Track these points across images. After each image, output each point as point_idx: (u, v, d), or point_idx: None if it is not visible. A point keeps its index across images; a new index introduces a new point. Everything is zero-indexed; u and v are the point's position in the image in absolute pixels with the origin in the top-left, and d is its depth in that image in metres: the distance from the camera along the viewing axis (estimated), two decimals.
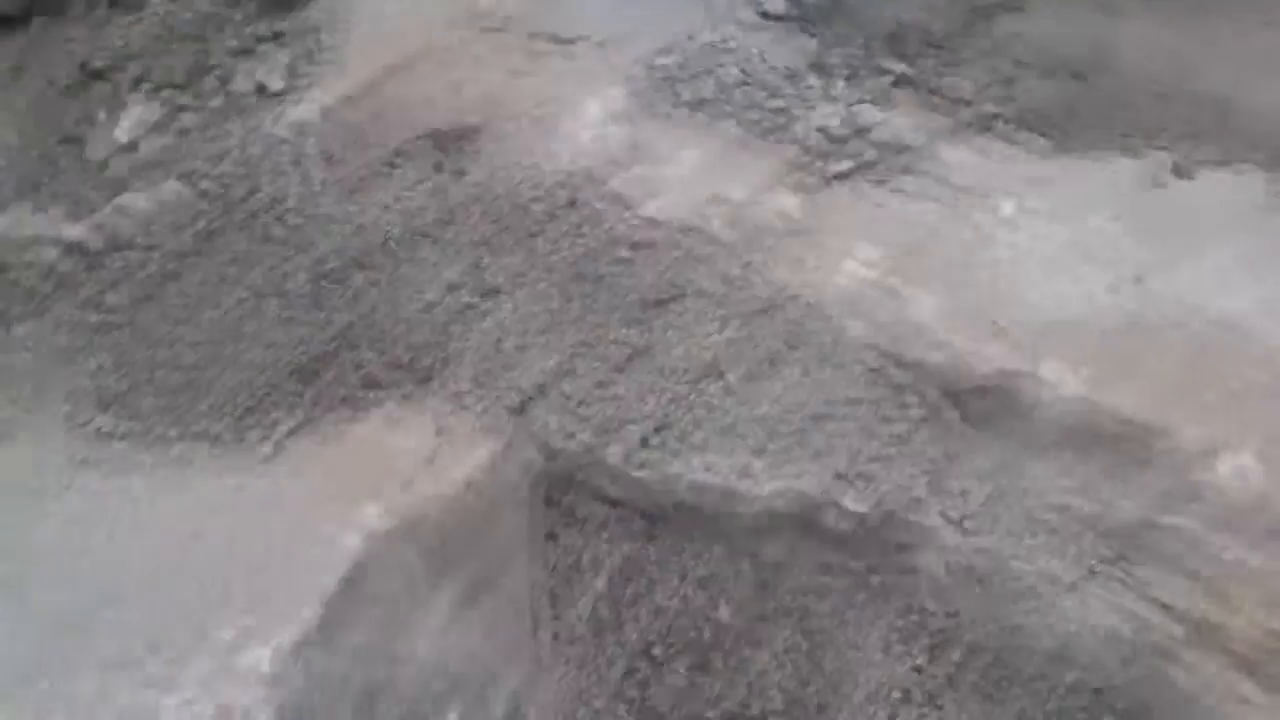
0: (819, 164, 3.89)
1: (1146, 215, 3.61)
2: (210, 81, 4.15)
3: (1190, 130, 3.94)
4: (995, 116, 4.14)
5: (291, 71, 4.14)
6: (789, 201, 3.72)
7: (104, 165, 3.92)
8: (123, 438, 3.26)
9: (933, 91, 4.28)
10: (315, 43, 4.20)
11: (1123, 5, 4.67)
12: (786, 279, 3.48)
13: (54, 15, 4.36)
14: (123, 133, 4.01)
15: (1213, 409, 2.95)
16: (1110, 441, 2.97)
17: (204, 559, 2.96)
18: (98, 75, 4.20)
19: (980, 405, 3.10)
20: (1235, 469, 2.83)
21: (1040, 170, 3.81)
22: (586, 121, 3.96)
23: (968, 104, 4.22)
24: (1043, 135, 4.05)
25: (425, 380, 3.32)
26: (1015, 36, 4.54)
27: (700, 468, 3.08)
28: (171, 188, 3.83)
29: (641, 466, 3.10)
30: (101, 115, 4.10)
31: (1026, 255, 3.48)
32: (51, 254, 3.71)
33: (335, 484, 3.07)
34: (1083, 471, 2.94)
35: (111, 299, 3.57)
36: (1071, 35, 4.52)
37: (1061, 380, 3.08)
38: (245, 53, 4.20)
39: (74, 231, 3.77)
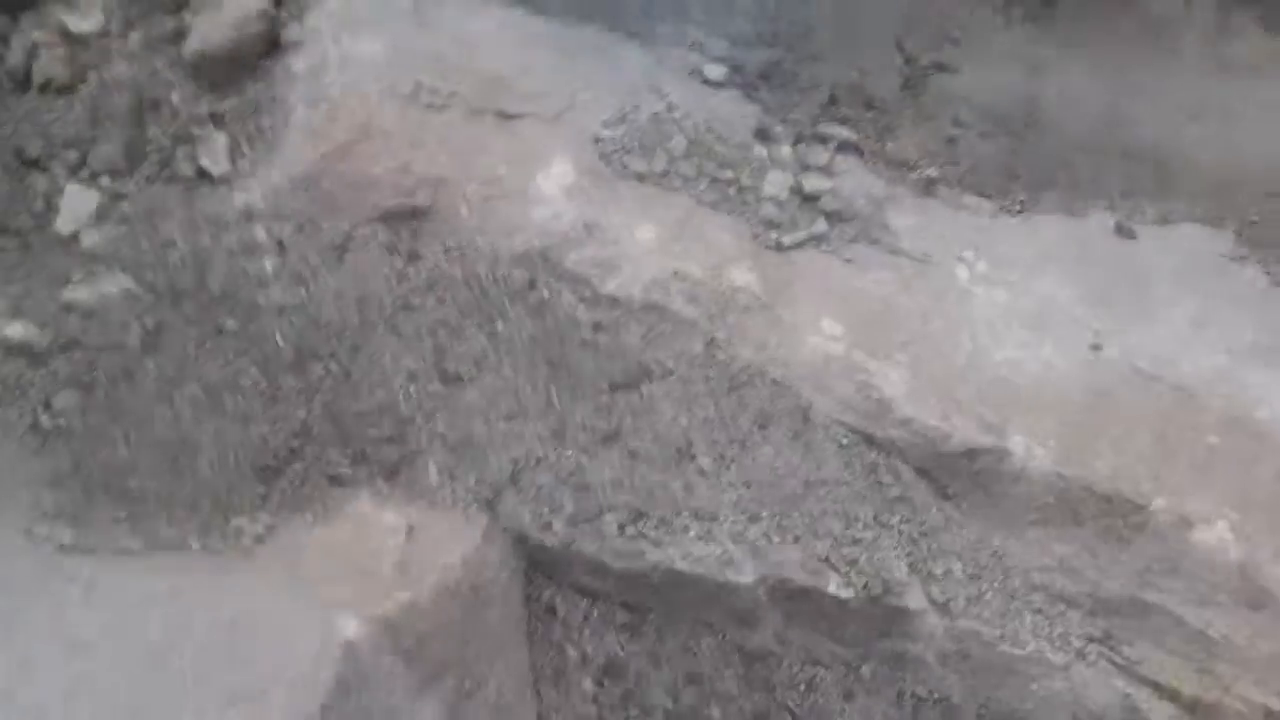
0: (773, 235, 3.78)
1: (1095, 278, 3.56)
2: (149, 167, 3.89)
3: (1130, 188, 3.93)
4: (939, 180, 4.08)
5: (233, 154, 3.90)
6: (748, 276, 3.60)
7: (46, 259, 3.65)
8: (84, 552, 3.00)
9: (876, 156, 4.21)
10: (255, 125, 3.96)
11: (1050, 61, 4.66)
12: (751, 356, 3.36)
13: None
14: (63, 224, 3.74)
15: (1182, 479, 2.89)
16: (1085, 516, 2.90)
17: (171, 681, 2.72)
18: (33, 164, 3.91)
19: (953, 482, 3.00)
20: (1211, 541, 2.76)
21: (988, 235, 3.75)
22: (539, 199, 3.79)
23: (911, 167, 4.16)
24: (986, 197, 4.00)
25: (392, 475, 3.12)
26: (950, 97, 4.50)
27: (679, 556, 2.93)
28: (117, 281, 3.57)
29: (620, 557, 2.94)
30: (40, 205, 3.82)
31: (984, 324, 3.40)
32: None
33: (307, 594, 2.85)
34: (1061, 548, 2.86)
35: (60, 402, 3.31)
36: (1004, 93, 4.50)
37: (1030, 454, 2.99)
38: (184, 137, 3.94)
39: (18, 330, 3.50)
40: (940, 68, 4.66)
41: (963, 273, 3.57)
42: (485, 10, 4.42)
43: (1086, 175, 4.01)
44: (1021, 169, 4.09)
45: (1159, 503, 2.84)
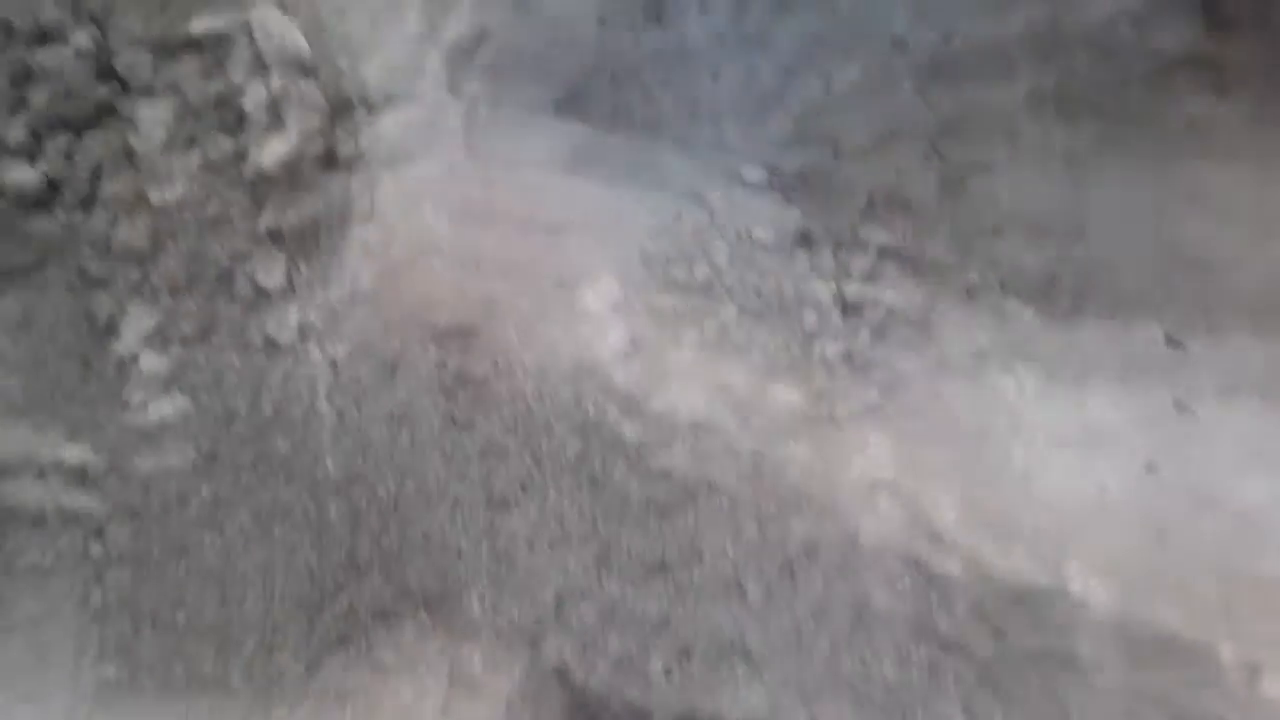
0: (818, 347, 3.62)
1: (1145, 394, 3.34)
2: (208, 285, 3.82)
3: (1176, 295, 3.71)
4: (980, 286, 3.90)
5: (291, 272, 3.82)
6: (793, 393, 3.43)
7: (111, 429, 3.56)
8: (129, 688, 2.87)
9: (917, 261, 4.04)
10: (314, 243, 3.88)
11: (1088, 160, 4.47)
12: (798, 478, 3.18)
13: (61, 263, 4.01)
14: (124, 345, 3.67)
15: (1247, 621, 2.65)
16: (1151, 663, 2.67)
17: None
18: (95, 283, 3.86)
19: (1010, 622, 2.79)
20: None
21: (1034, 345, 3.55)
22: (586, 315, 3.67)
23: (953, 273, 3.98)
24: (1029, 305, 3.81)
25: (436, 608, 2.97)
26: (989, 199, 4.32)
27: (729, 704, 2.74)
28: (175, 404, 3.49)
29: (666, 704, 2.75)
30: (101, 326, 3.75)
31: (1034, 444, 3.20)
32: (53, 479, 3.34)
33: None
34: (1128, 701, 2.63)
35: (113, 530, 3.21)
36: (1043, 194, 4.31)
37: (1090, 593, 2.77)
38: (242, 255, 3.87)
39: (74, 454, 3.41)
40: (977, 168, 4.49)
41: (1010, 387, 3.38)
42: (534, 122, 4.34)
43: (1132, 281, 3.80)
44: (1065, 274, 3.89)
45: (1226, 648, 2.62)
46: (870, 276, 3.89)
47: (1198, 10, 4.58)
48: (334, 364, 3.57)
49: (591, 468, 3.28)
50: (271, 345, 3.64)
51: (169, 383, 3.55)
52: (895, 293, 3.81)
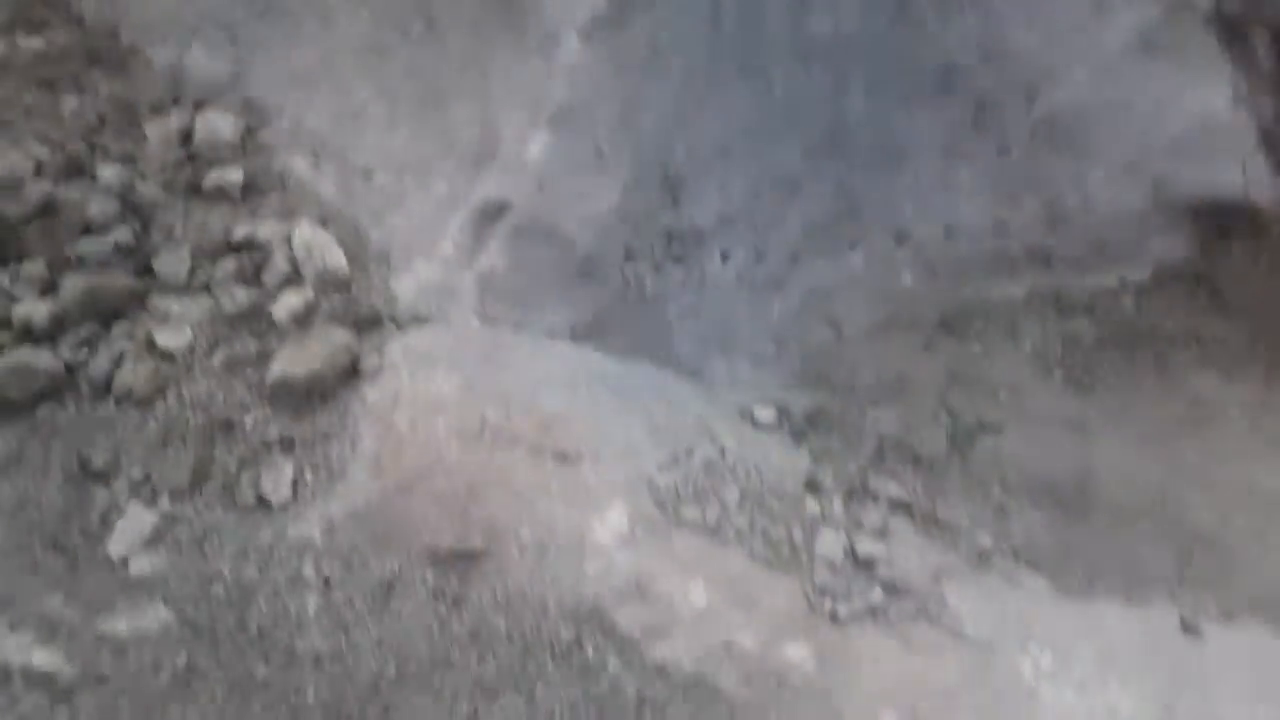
0: (828, 603, 3.47)
1: (1163, 681, 3.19)
2: (212, 490, 3.70)
3: (1190, 576, 3.62)
4: (993, 551, 3.81)
5: (296, 483, 3.71)
6: (803, 651, 3.26)
7: (89, 582, 3.40)
8: None
9: (928, 519, 3.97)
10: (323, 453, 3.80)
11: (1093, 425, 4.49)
12: None
13: (61, 404, 3.96)
14: (115, 545, 3.51)
15: None
16: None
17: None
18: (97, 476, 3.74)
19: None
20: None
21: (1050, 623, 3.41)
22: (594, 549, 3.54)
23: (964, 534, 3.90)
24: (1041, 573, 3.71)
25: None
26: (998, 459, 4.30)
27: None
28: (158, 614, 3.29)
29: None
30: (95, 522, 3.61)
31: None
32: (17, 686, 3.11)
33: None
34: None
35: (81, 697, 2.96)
36: (1051, 458, 4.29)
37: None
38: (250, 461, 3.78)
39: (44, 659, 3.19)
40: (985, 427, 4.50)
41: (1028, 667, 3.22)
42: (553, 348, 4.37)
43: (1145, 559, 3.72)
44: (1077, 545, 3.81)
45: None
46: (882, 532, 3.79)
47: (1200, 289, 4.74)
48: (326, 582, 3.41)
49: (587, 716, 3.08)
50: (265, 558, 3.49)
51: (154, 591, 3.37)
52: (907, 552, 3.70)
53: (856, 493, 4.04)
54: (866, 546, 3.70)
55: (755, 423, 4.52)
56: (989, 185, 5.06)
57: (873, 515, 3.89)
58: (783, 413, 4.64)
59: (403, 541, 3.55)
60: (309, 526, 3.57)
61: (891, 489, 4.10)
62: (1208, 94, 4.75)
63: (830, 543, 3.71)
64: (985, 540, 3.80)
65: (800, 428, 4.54)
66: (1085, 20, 4.69)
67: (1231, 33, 4.53)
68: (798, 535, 3.75)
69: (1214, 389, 4.34)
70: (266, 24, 5.05)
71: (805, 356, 5.08)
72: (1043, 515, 3.91)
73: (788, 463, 4.19)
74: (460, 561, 3.51)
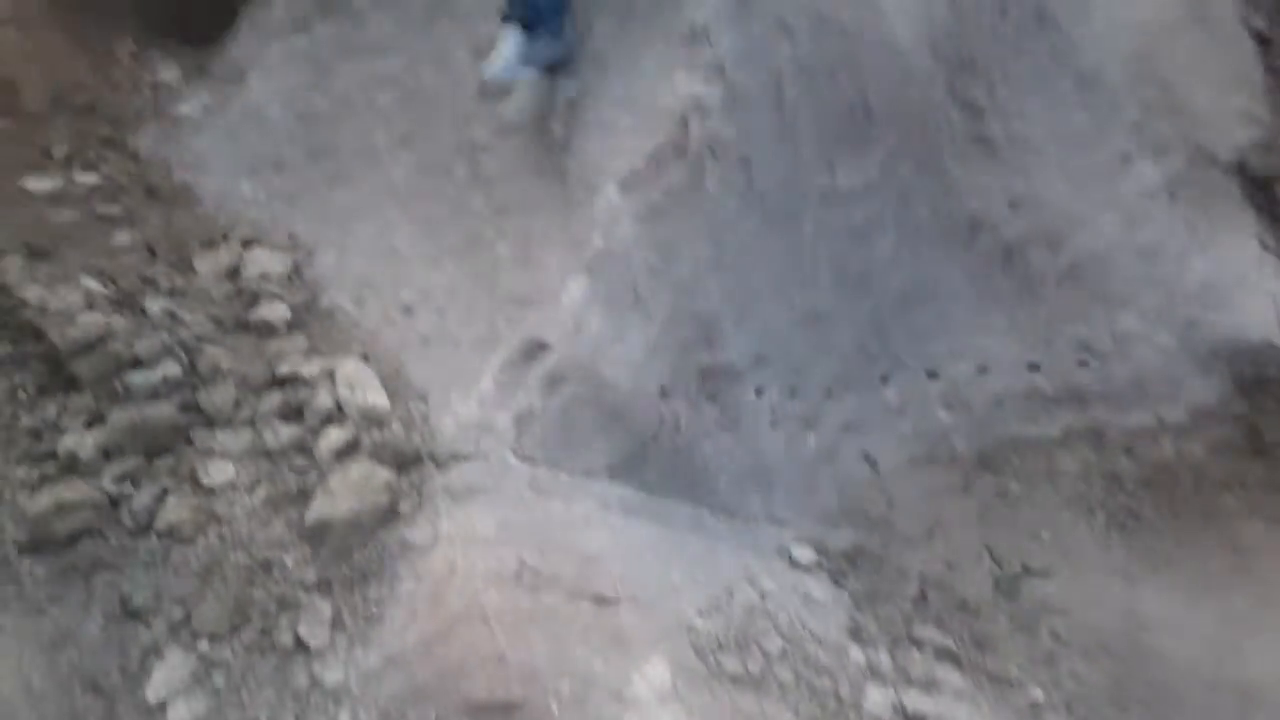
0: None
1: None
2: (250, 633, 3.63)
3: None
4: (1045, 706, 3.67)
5: (335, 626, 3.64)
6: None
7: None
8: None
9: (976, 669, 3.85)
10: (361, 595, 3.74)
11: (1139, 572, 4.39)
12: None
13: (103, 539, 3.92)
14: (152, 692, 3.43)
15: None
16: None
17: None
18: (137, 614, 3.68)
19: None
20: None
21: None
22: (634, 702, 3.44)
23: (1014, 686, 3.77)
24: None
25: None
26: (1046, 606, 4.20)
27: None
28: None
29: None
30: (135, 664, 3.53)
31: None
32: None
33: None
34: None
35: None
36: (1100, 606, 4.19)
37: None
38: (289, 602, 3.72)
39: None
40: (1031, 571, 4.41)
41: None
42: (590, 486, 4.33)
43: (1204, 712, 3.57)
44: (1131, 701, 3.68)
45: None
46: (929, 686, 3.67)
47: (1239, 431, 4.69)
48: None
49: None
50: (302, 705, 3.40)
51: None
52: (958, 708, 3.58)
53: (901, 641, 3.93)
54: (915, 702, 3.58)
55: (794, 562, 4.44)
56: (1020, 325, 5.08)
57: (919, 665, 3.77)
58: (821, 551, 4.57)
59: (440, 692, 3.46)
60: (346, 675, 3.49)
61: (937, 638, 3.99)
62: (1234, 240, 4.81)
63: (878, 700, 3.59)
64: (1037, 693, 3.68)
65: (840, 567, 4.46)
66: (1112, 170, 4.80)
67: (1254, 184, 4.62)
68: (844, 690, 3.64)
69: (1260, 536, 4.25)
70: (314, 164, 5.21)
71: (842, 492, 5.02)
72: (1094, 668, 3.79)
73: (829, 605, 4.11)
74: (498, 714, 3.40)
